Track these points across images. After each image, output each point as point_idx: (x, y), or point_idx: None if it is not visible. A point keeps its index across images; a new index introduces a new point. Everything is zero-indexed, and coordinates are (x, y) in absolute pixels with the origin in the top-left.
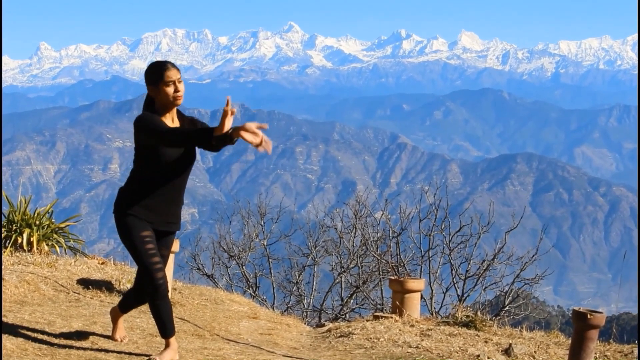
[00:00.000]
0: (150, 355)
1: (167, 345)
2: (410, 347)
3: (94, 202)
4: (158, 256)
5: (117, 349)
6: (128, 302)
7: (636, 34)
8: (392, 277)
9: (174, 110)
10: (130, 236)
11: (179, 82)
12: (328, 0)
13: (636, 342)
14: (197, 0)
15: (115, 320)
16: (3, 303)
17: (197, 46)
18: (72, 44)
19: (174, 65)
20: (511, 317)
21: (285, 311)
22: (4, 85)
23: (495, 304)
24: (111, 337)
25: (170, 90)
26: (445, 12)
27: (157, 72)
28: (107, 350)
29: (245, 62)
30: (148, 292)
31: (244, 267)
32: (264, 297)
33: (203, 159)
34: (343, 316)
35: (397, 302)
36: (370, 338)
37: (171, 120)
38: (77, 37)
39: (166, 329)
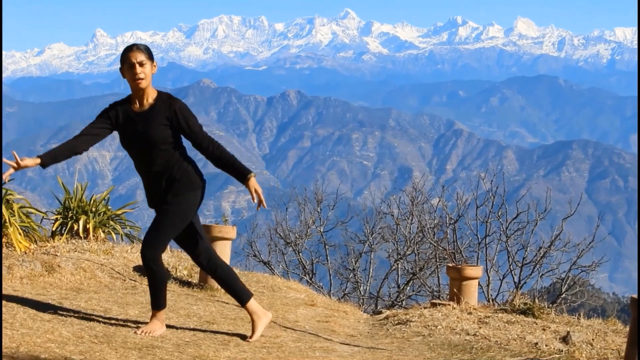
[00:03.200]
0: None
1: (152, 317)
2: (468, 334)
3: None
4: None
5: (174, 336)
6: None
7: None
8: (450, 265)
9: (145, 93)
10: None
11: (141, 65)
12: None
13: None
14: None
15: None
16: (59, 290)
17: (254, 33)
18: (128, 31)
19: (139, 48)
20: (568, 304)
21: (341, 298)
22: (60, 71)
23: (551, 291)
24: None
25: (131, 72)
26: None
27: (122, 55)
28: (164, 337)
29: (302, 49)
30: None
31: (300, 254)
32: (321, 284)
33: (259, 145)
34: (399, 303)
35: (455, 290)
36: (428, 325)
37: (139, 104)
38: (133, 23)
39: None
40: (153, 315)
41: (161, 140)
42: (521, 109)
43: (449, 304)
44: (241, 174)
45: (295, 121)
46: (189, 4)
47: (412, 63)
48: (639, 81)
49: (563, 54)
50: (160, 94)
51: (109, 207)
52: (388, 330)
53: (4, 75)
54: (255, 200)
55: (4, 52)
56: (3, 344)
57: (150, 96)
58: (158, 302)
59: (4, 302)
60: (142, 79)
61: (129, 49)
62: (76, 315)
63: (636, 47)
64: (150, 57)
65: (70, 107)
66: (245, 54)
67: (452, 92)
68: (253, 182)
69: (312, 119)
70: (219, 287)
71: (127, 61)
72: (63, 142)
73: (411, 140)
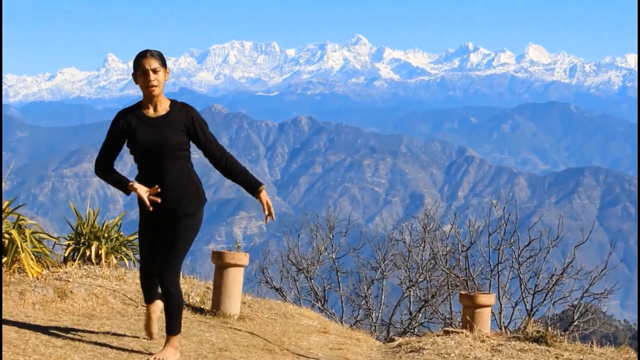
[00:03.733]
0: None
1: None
2: None
3: None
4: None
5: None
6: None
7: None
8: (463, 292)
9: (158, 99)
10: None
11: (155, 72)
12: (396, 13)
13: None
14: (265, 12)
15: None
16: (72, 316)
17: (265, 58)
18: None
19: (153, 54)
20: (580, 332)
21: (353, 325)
22: (71, 96)
23: (563, 319)
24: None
25: (144, 79)
26: (512, 25)
27: (135, 61)
28: None
29: (313, 75)
30: None
31: (312, 281)
32: (333, 311)
33: (271, 171)
34: (411, 330)
35: (468, 317)
36: (441, 353)
37: (153, 110)
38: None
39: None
40: (167, 341)
41: (177, 146)
42: (533, 135)
43: (462, 332)
44: (252, 185)
45: (306, 147)
46: (201, 30)
47: (423, 89)
48: (639, 94)
49: (574, 81)
50: (173, 101)
51: (121, 233)
52: (401, 358)
53: (15, 99)
54: (266, 212)
55: (15, 77)
56: None
57: (164, 102)
58: (173, 327)
59: (16, 329)
60: (156, 86)
61: (143, 55)
62: (89, 341)
63: None
64: (164, 63)
65: (82, 132)
66: (256, 79)
67: (463, 118)
68: (264, 194)
69: (323, 145)
70: (232, 314)
71: (140, 68)
72: (108, 178)
73: (423, 167)
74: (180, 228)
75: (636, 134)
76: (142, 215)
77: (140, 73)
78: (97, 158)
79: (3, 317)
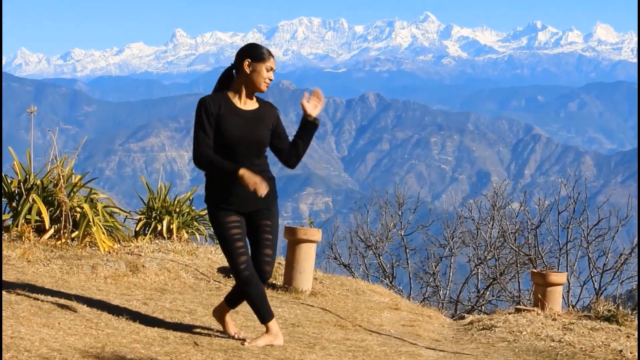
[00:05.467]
0: (245, 339)
1: (266, 331)
2: (553, 341)
3: None
4: (242, 241)
5: (254, 337)
6: (234, 296)
7: None
8: (535, 270)
9: (251, 93)
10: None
11: (273, 71)
12: None
13: None
14: None
15: (221, 319)
16: (144, 290)
17: (333, 35)
18: (207, 32)
19: (274, 55)
20: None
21: (422, 302)
22: (139, 71)
23: (628, 298)
24: (226, 333)
25: (266, 74)
26: (581, 4)
27: (263, 52)
28: (249, 339)
29: (381, 52)
30: (235, 279)
31: (380, 257)
32: (400, 288)
33: (338, 148)
34: (479, 308)
35: (539, 295)
36: (513, 331)
37: (243, 103)
38: (213, 24)
39: (259, 314)
40: (267, 328)
41: (265, 141)
42: (599, 114)
43: (534, 310)
44: (304, 123)
45: (374, 124)
46: (269, 6)
47: (491, 67)
48: (638, 79)
49: None
50: (260, 98)
51: (193, 208)
52: (473, 335)
53: (83, 73)
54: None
55: (83, 51)
56: (89, 344)
57: (254, 99)
58: (267, 311)
59: (89, 302)
60: (265, 88)
61: (270, 53)
62: (161, 316)
63: None
64: None
65: (149, 107)
66: (324, 56)
67: (530, 97)
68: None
69: (390, 122)
70: (304, 289)
71: (267, 63)
72: (216, 160)
73: (489, 145)
74: (274, 220)
75: None
76: (225, 211)
77: (262, 67)
78: (196, 147)
79: (76, 291)
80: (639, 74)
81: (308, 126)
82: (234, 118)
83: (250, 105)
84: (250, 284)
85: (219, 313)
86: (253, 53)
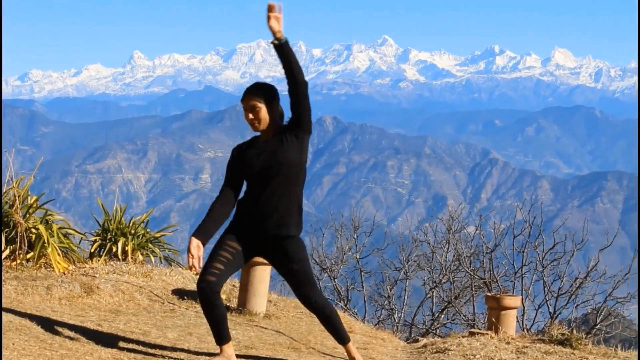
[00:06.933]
0: None
1: (220, 352)
2: None
3: (184, 212)
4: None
5: None
6: (332, 331)
7: None
8: (489, 294)
9: (267, 131)
10: None
11: (252, 109)
12: (422, 14)
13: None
14: (292, 12)
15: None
16: (98, 312)
17: None
18: (165, 54)
19: (251, 92)
20: (602, 335)
21: (376, 325)
22: (96, 92)
23: (583, 322)
24: None
25: (246, 115)
26: (538, 28)
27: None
28: None
29: (339, 75)
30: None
31: (335, 280)
32: (355, 311)
33: None
34: (434, 331)
35: (493, 319)
36: (467, 355)
37: (264, 138)
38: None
39: (214, 336)
40: (347, 351)
41: (285, 165)
42: (557, 139)
43: (487, 333)
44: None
45: (330, 147)
46: (227, 28)
47: (448, 91)
48: (639, 93)
49: (600, 85)
50: (283, 125)
51: (148, 230)
52: (426, 358)
53: (41, 94)
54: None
55: (41, 72)
56: None
57: (275, 130)
58: (222, 334)
59: (43, 323)
60: (256, 124)
61: (245, 91)
62: (115, 337)
63: None
64: (268, 97)
65: (106, 128)
66: (282, 79)
67: (488, 121)
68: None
69: (347, 145)
70: (258, 312)
71: (242, 102)
72: (209, 213)
73: (446, 169)
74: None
75: None
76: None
77: (244, 108)
78: None
79: (30, 312)
80: (639, 99)
81: (283, 48)
82: (251, 151)
83: (270, 136)
84: (207, 302)
85: (350, 356)
86: (277, 97)
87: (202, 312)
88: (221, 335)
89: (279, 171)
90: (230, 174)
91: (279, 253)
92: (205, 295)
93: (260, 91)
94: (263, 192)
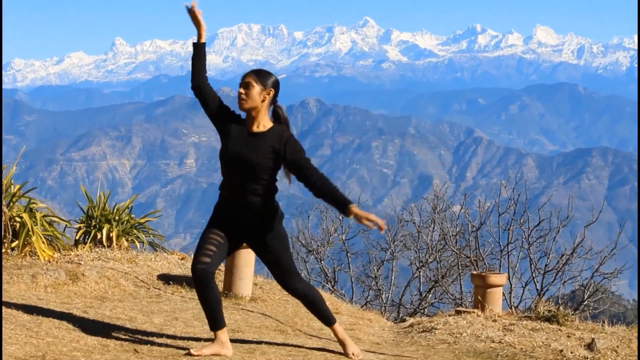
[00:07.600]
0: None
1: (214, 339)
2: (493, 342)
3: (170, 197)
4: (210, 244)
5: (200, 345)
6: (317, 313)
7: None
8: (474, 272)
9: (257, 119)
10: None
11: (247, 86)
12: None
13: None
14: None
15: (340, 339)
16: (84, 299)
17: (273, 41)
18: (147, 40)
19: (253, 71)
20: (590, 311)
21: (364, 306)
22: (79, 80)
23: (572, 298)
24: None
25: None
26: (520, 6)
27: None
28: (189, 347)
29: (321, 57)
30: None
31: (322, 262)
32: (343, 292)
33: None
34: (421, 311)
35: (479, 297)
36: (453, 333)
37: (254, 126)
38: (153, 32)
39: (208, 321)
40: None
41: (260, 167)
42: (540, 116)
43: (474, 312)
44: (341, 203)
45: (315, 129)
46: (208, 13)
47: (431, 71)
48: (638, 79)
49: (582, 62)
50: (275, 125)
51: (132, 216)
52: (413, 337)
53: (23, 83)
54: (373, 226)
55: (23, 61)
56: (29, 352)
57: (263, 124)
58: (217, 320)
59: (29, 311)
60: (243, 99)
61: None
62: (101, 323)
63: None
64: (263, 82)
65: (90, 116)
66: (264, 62)
67: (471, 99)
68: (357, 210)
69: (331, 127)
70: (244, 295)
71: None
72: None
73: (431, 148)
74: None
75: None
76: None
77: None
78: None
79: (16, 301)
80: (638, 81)
81: (343, 210)
82: (237, 136)
83: (259, 130)
84: (203, 287)
85: (337, 337)
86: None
87: (187, 297)
88: (216, 321)
89: (249, 169)
90: (215, 97)
91: (252, 242)
92: (199, 277)
93: (261, 74)
94: (231, 181)
